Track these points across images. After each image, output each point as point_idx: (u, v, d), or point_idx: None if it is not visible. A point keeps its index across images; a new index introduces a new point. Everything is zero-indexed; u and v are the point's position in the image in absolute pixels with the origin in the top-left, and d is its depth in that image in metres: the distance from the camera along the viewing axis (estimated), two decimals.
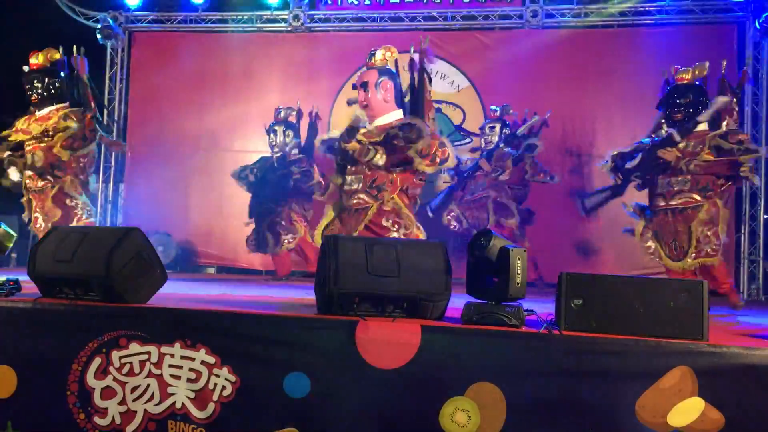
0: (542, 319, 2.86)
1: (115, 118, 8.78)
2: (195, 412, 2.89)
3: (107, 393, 2.94)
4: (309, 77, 8.45)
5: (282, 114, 7.23)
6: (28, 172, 5.55)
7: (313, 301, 3.26)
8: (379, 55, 4.95)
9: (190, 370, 2.91)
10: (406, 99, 4.90)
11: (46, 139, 5.48)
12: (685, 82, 4.85)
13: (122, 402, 2.93)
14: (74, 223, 5.43)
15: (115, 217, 8.83)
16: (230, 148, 8.60)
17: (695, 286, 2.71)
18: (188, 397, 2.90)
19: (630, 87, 7.72)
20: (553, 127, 7.30)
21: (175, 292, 4.04)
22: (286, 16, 8.61)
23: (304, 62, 8.57)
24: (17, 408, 3.01)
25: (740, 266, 7.46)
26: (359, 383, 2.81)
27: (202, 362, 2.91)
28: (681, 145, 4.68)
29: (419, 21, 8.34)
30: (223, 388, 2.88)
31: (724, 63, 5.10)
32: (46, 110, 5.64)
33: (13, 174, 5.61)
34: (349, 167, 4.82)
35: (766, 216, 7.53)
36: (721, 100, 4.81)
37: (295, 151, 7.10)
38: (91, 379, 2.95)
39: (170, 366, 2.92)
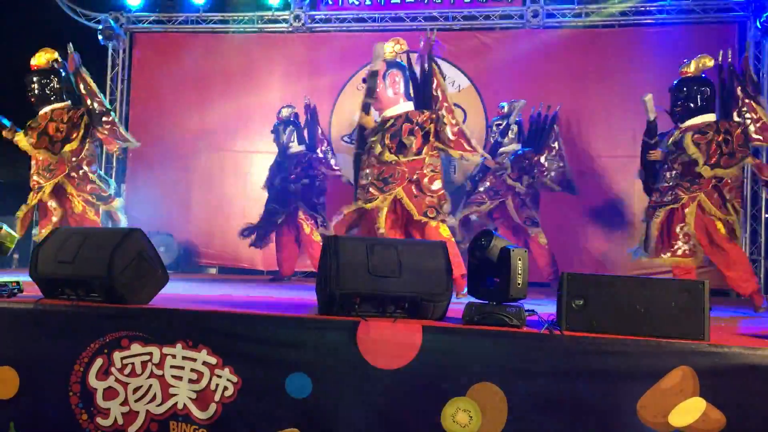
0: (543, 320, 2.86)
1: (117, 119, 8.77)
2: (197, 413, 2.90)
3: (109, 394, 2.95)
4: (310, 78, 8.45)
5: (284, 113, 7.25)
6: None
7: (314, 302, 3.27)
8: (388, 47, 4.95)
9: (192, 370, 2.91)
10: (412, 92, 4.91)
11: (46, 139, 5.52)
12: (688, 75, 4.92)
13: (124, 402, 2.94)
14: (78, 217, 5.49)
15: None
16: (231, 149, 8.62)
17: (696, 286, 2.71)
18: (190, 398, 2.91)
19: (631, 87, 7.69)
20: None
21: (177, 292, 4.05)
22: (287, 17, 8.62)
23: (305, 63, 8.57)
24: (19, 409, 3.01)
25: None
26: (361, 384, 2.81)
27: (204, 363, 2.91)
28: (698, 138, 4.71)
29: (420, 21, 8.34)
30: (225, 388, 2.89)
31: (730, 52, 5.06)
32: (42, 111, 5.69)
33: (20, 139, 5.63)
34: (363, 160, 4.83)
35: (767, 216, 7.53)
36: (647, 98, 5.03)
37: (301, 147, 7.11)
38: (93, 380, 2.96)
39: (172, 366, 2.93)
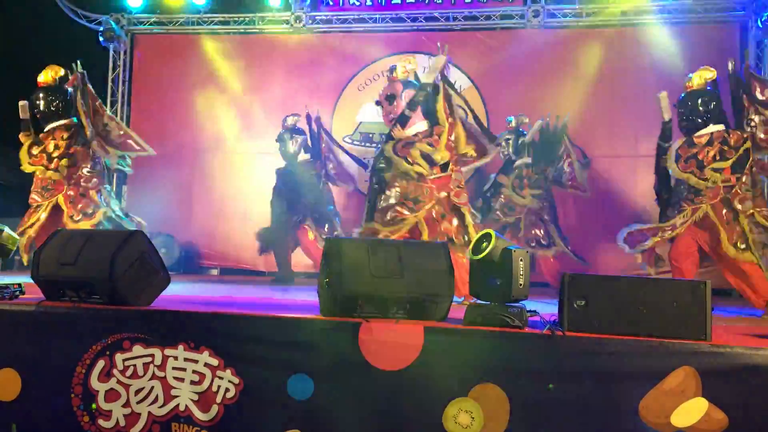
0: (545, 320, 2.86)
1: (118, 119, 8.79)
2: (198, 414, 2.90)
3: (111, 395, 2.95)
4: (311, 78, 8.46)
5: (289, 121, 7.26)
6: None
7: (316, 303, 3.27)
8: (400, 68, 4.97)
9: (194, 372, 2.92)
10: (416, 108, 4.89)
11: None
12: (692, 89, 4.92)
13: (126, 404, 2.94)
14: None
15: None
16: (233, 150, 8.63)
17: (698, 287, 2.71)
18: (192, 400, 2.91)
19: (632, 86, 7.72)
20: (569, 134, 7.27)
21: (179, 294, 4.05)
22: (287, 18, 8.63)
23: (305, 63, 8.58)
24: (22, 411, 3.02)
25: None
26: (363, 385, 2.81)
27: (206, 364, 2.91)
28: (682, 150, 4.77)
29: (421, 22, 8.35)
30: (227, 390, 2.89)
31: (732, 62, 5.08)
32: (49, 126, 5.74)
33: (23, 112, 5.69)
34: (388, 180, 4.79)
35: None
36: (661, 95, 5.02)
37: (308, 156, 7.14)
38: (95, 382, 2.96)
39: (174, 368, 2.93)
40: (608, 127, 7.87)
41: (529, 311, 2.91)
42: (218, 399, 2.89)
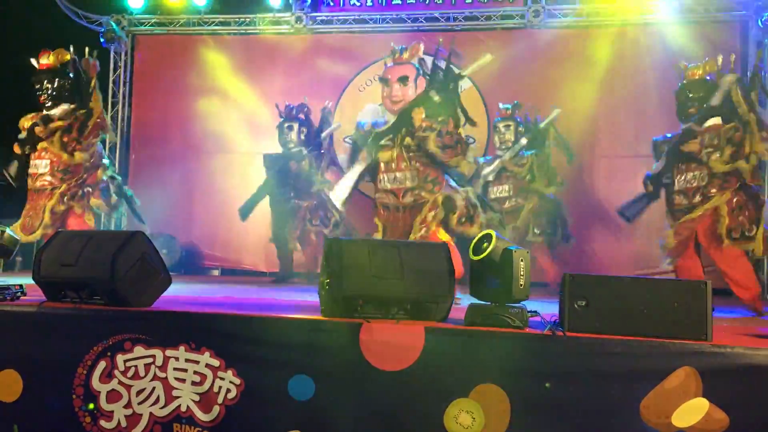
0: (546, 321, 2.86)
1: (119, 120, 8.80)
2: (200, 415, 2.90)
3: (113, 396, 2.96)
4: (312, 79, 8.45)
5: (291, 111, 7.26)
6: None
7: (317, 304, 3.27)
8: (407, 52, 5.00)
9: (195, 373, 2.92)
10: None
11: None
12: (696, 77, 4.93)
13: (128, 405, 2.94)
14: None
15: (119, 220, 8.84)
16: (233, 150, 8.63)
17: (698, 287, 2.71)
18: (193, 400, 2.91)
19: (632, 86, 7.72)
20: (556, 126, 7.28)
21: (180, 294, 4.05)
22: (288, 18, 8.62)
23: (306, 64, 8.57)
24: (23, 411, 3.02)
25: None
26: (363, 385, 2.81)
27: (207, 365, 2.92)
28: (697, 139, 4.76)
29: (421, 22, 8.34)
30: (228, 391, 2.89)
31: (733, 57, 5.08)
32: (55, 111, 5.72)
33: (13, 168, 5.71)
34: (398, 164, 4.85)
35: None
36: (728, 80, 4.84)
37: (301, 149, 7.13)
38: (96, 383, 2.97)
39: (175, 369, 2.94)
40: (608, 126, 7.87)
41: (530, 311, 2.91)
42: (219, 400, 2.90)
